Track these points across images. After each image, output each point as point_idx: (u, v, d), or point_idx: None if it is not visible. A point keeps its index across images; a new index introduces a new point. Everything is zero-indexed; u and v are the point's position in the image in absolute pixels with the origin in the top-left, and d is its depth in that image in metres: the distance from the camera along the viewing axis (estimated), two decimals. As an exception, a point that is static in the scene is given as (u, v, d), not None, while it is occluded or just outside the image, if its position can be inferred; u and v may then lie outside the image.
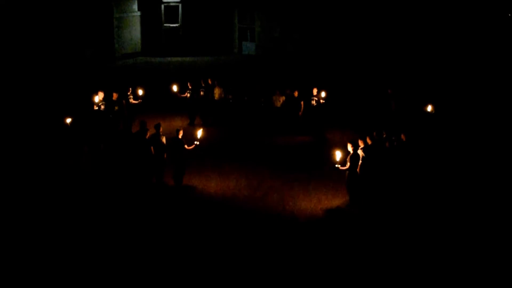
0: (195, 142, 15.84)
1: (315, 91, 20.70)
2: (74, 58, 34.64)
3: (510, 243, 12.76)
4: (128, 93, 20.44)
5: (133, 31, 39.19)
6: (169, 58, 38.50)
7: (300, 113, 20.72)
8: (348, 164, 14.61)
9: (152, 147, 15.81)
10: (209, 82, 22.00)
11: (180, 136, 15.80)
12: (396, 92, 21.45)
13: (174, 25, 40.29)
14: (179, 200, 15.25)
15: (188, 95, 21.68)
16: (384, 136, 15.77)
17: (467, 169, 17.04)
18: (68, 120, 17.55)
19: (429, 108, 19.04)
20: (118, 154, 18.06)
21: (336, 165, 14.39)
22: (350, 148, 14.68)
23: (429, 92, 25.91)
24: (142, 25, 39.79)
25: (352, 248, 12.62)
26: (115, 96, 19.83)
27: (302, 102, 20.65)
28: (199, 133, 15.93)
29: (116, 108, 19.78)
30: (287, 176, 16.90)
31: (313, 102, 20.64)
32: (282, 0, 37.87)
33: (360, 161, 14.51)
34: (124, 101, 20.04)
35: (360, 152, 14.55)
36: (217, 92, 21.99)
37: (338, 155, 14.34)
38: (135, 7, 39.31)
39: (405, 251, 12.46)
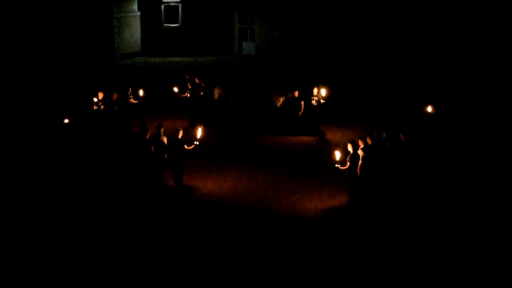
0: (195, 142, 15.82)
1: (315, 91, 20.70)
2: (74, 58, 34.62)
3: (510, 243, 12.77)
4: (128, 93, 20.44)
5: (133, 31, 39.18)
6: (169, 58, 38.49)
7: (300, 113, 20.72)
8: (348, 164, 14.61)
9: (152, 147, 15.81)
10: (196, 81, 21.85)
11: (180, 136, 15.79)
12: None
13: (174, 25, 40.27)
14: (179, 200, 15.24)
15: (188, 95, 21.68)
16: (384, 136, 15.77)
17: (467, 169, 17.04)
18: (67, 120, 17.54)
19: (429, 108, 19.03)
20: (118, 154, 18.06)
21: (336, 165, 14.39)
22: (350, 148, 14.68)
23: (429, 92, 25.91)
24: (142, 25, 39.77)
25: (352, 247, 12.62)
26: (115, 96, 19.84)
27: (302, 102, 20.65)
28: (199, 133, 15.92)
29: (116, 108, 19.80)
30: (287, 176, 16.90)
31: (313, 102, 20.64)
32: (282, 0, 37.86)
33: (360, 161, 14.51)
34: (124, 101, 20.05)
35: (360, 152, 14.54)
36: (217, 92, 21.99)
37: (338, 155, 14.34)
38: (135, 7, 39.29)
39: (405, 251, 12.46)
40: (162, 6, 40.03)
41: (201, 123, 20.85)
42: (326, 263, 11.97)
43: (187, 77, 22.28)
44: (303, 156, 18.71)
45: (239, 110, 22.27)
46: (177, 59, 38.29)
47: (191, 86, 21.72)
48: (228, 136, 20.78)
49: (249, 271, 11.66)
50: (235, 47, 41.11)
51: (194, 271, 11.68)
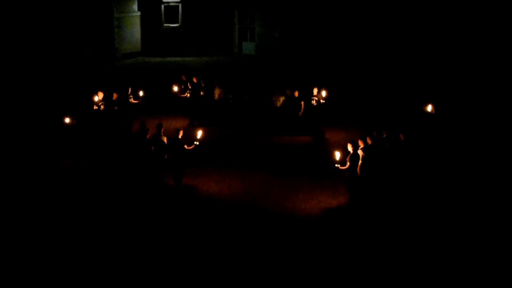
0: (195, 142, 15.84)
1: (315, 91, 20.71)
2: (74, 58, 34.64)
3: (510, 243, 12.77)
4: (128, 93, 20.45)
5: (133, 31, 39.21)
6: (169, 58, 38.50)
7: (300, 113, 20.72)
8: (348, 164, 14.61)
9: (152, 147, 15.82)
10: (194, 80, 21.90)
11: (180, 136, 15.81)
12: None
13: (174, 25, 40.29)
14: (179, 200, 15.25)
15: (188, 95, 21.69)
16: (384, 136, 15.77)
17: (467, 169, 17.04)
18: (67, 120, 17.55)
19: (429, 108, 19.04)
20: (118, 154, 18.06)
21: (336, 165, 14.39)
22: (350, 148, 14.68)
23: (429, 92, 25.92)
24: (142, 25, 39.81)
25: (351, 248, 12.62)
26: (115, 96, 19.85)
27: (302, 102, 20.65)
28: (199, 133, 15.93)
29: (116, 108, 19.80)
30: (287, 176, 16.90)
31: (313, 102, 20.64)
32: (282, 0, 37.87)
33: (360, 161, 14.51)
34: (124, 101, 20.04)
35: (360, 152, 14.54)
36: (217, 92, 22.00)
37: (337, 155, 14.34)
38: (135, 7, 39.32)
39: (405, 251, 12.46)
40: (162, 6, 40.06)
41: (200, 124, 20.94)
42: (326, 263, 11.97)
43: (184, 77, 22.32)
44: (303, 156, 18.71)
45: (239, 110, 22.28)
46: (177, 59, 38.31)
47: (191, 86, 21.73)
48: (228, 136, 20.78)
49: (249, 271, 11.66)
50: (235, 47, 41.13)
51: (194, 271, 11.68)
